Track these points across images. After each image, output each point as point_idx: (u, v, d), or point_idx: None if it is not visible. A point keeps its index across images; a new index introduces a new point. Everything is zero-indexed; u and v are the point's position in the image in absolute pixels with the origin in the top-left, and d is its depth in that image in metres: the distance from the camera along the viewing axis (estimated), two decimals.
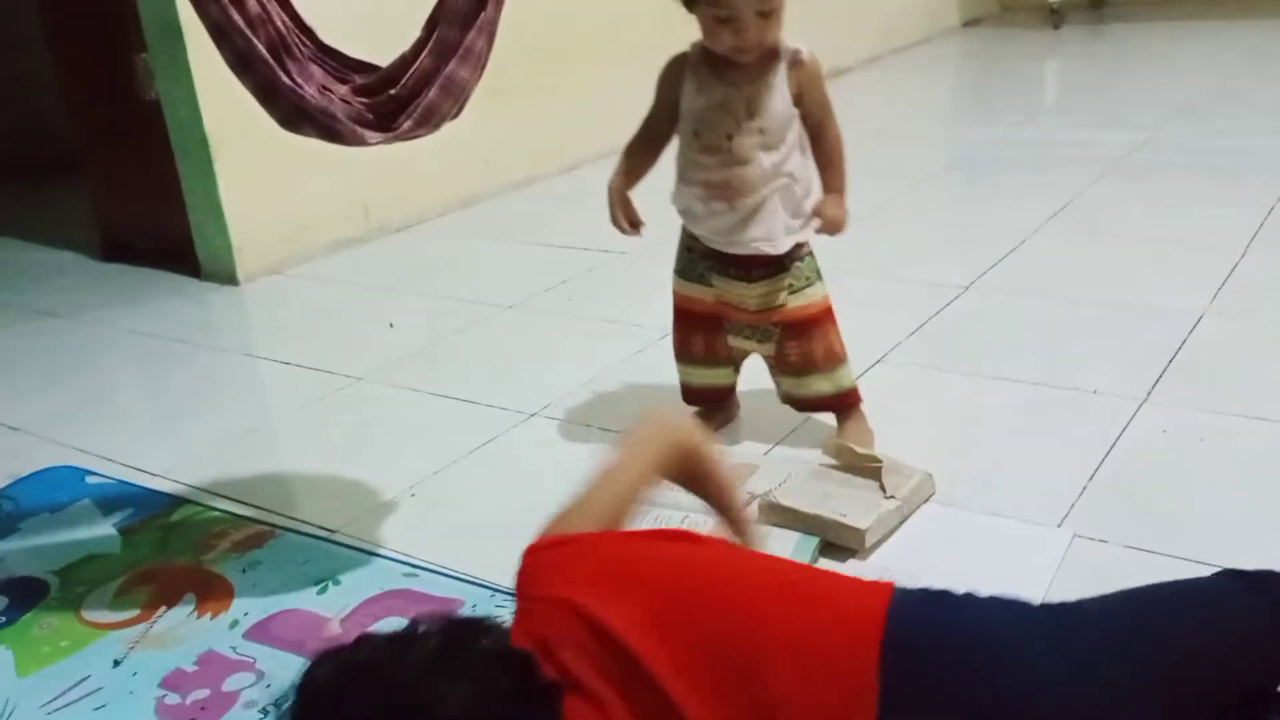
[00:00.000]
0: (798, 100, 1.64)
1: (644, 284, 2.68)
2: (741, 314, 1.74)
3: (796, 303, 1.71)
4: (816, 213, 1.68)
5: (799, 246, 1.71)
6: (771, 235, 1.67)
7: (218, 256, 2.89)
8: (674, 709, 0.93)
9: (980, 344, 2.14)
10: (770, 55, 1.63)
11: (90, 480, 1.88)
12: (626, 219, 1.76)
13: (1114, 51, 5.23)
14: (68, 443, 2.03)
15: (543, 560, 1.08)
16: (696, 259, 1.75)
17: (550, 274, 2.74)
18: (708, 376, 1.83)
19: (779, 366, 1.77)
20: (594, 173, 3.82)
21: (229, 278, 2.88)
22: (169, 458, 1.94)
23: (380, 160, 3.15)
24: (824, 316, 1.73)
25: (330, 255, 3.05)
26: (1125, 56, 5.05)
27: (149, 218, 3.04)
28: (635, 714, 0.95)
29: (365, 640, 1.00)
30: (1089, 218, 2.84)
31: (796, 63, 1.64)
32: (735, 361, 1.82)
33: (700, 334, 1.79)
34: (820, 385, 1.74)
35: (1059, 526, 1.51)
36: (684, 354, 1.83)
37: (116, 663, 1.40)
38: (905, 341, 2.16)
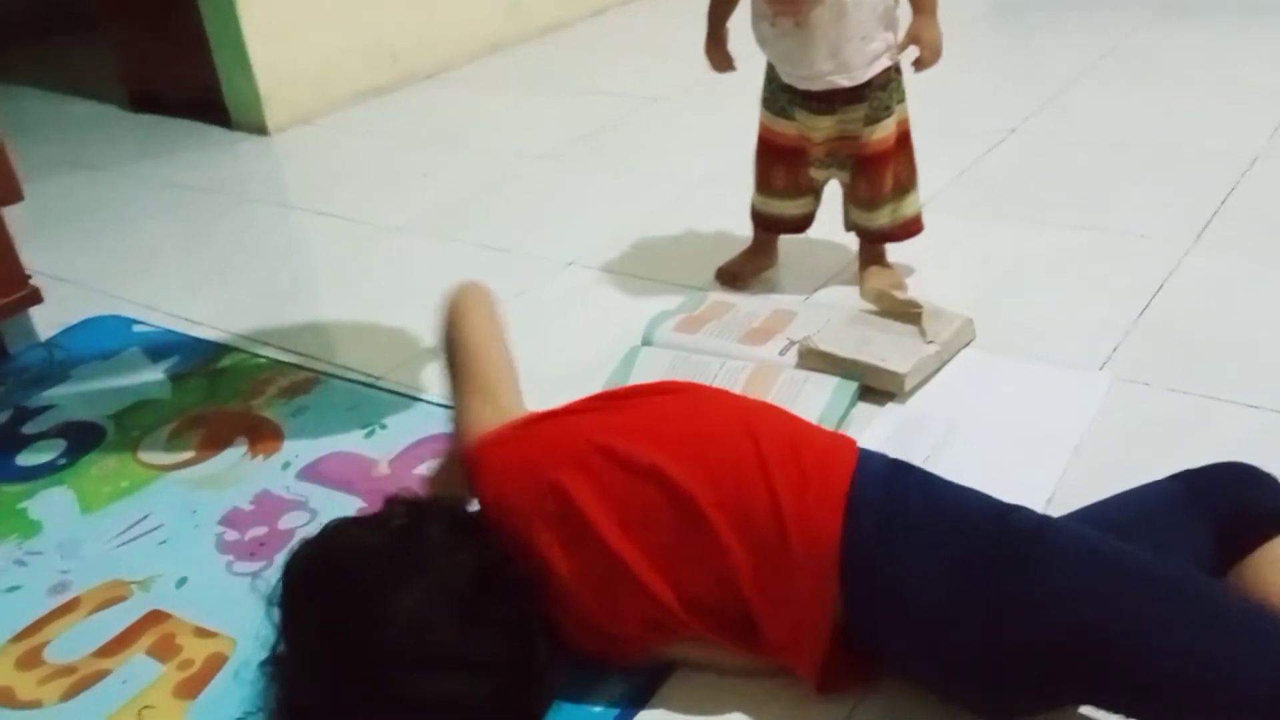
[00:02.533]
0: None
1: (677, 131, 2.63)
2: (822, 145, 1.69)
3: (872, 135, 1.65)
4: (912, 39, 1.60)
5: (883, 73, 1.62)
6: (847, 65, 1.59)
7: (247, 106, 2.86)
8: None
9: (1024, 189, 2.10)
10: None
11: (137, 329, 1.91)
12: (716, 54, 1.73)
13: None
14: (113, 293, 2.06)
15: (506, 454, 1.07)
16: (778, 91, 1.69)
17: (582, 123, 2.70)
18: (788, 207, 1.78)
19: (851, 196, 1.74)
20: (622, 17, 3.73)
21: (259, 127, 2.85)
22: (212, 307, 1.97)
23: (406, 6, 3.08)
24: (896, 148, 1.67)
25: (359, 104, 3.01)
26: None
27: (176, 68, 2.99)
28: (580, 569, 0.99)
29: (335, 529, 1.05)
30: (1139, 59, 2.74)
31: None
32: (816, 190, 1.78)
33: (783, 167, 1.74)
34: (881, 218, 1.71)
35: (1100, 371, 1.51)
36: (765, 185, 1.78)
37: (176, 503, 1.45)
38: (948, 187, 2.12)
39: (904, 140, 1.68)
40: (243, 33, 2.74)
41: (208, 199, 2.51)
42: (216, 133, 2.91)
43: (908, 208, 1.72)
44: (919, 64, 1.63)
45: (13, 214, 1.79)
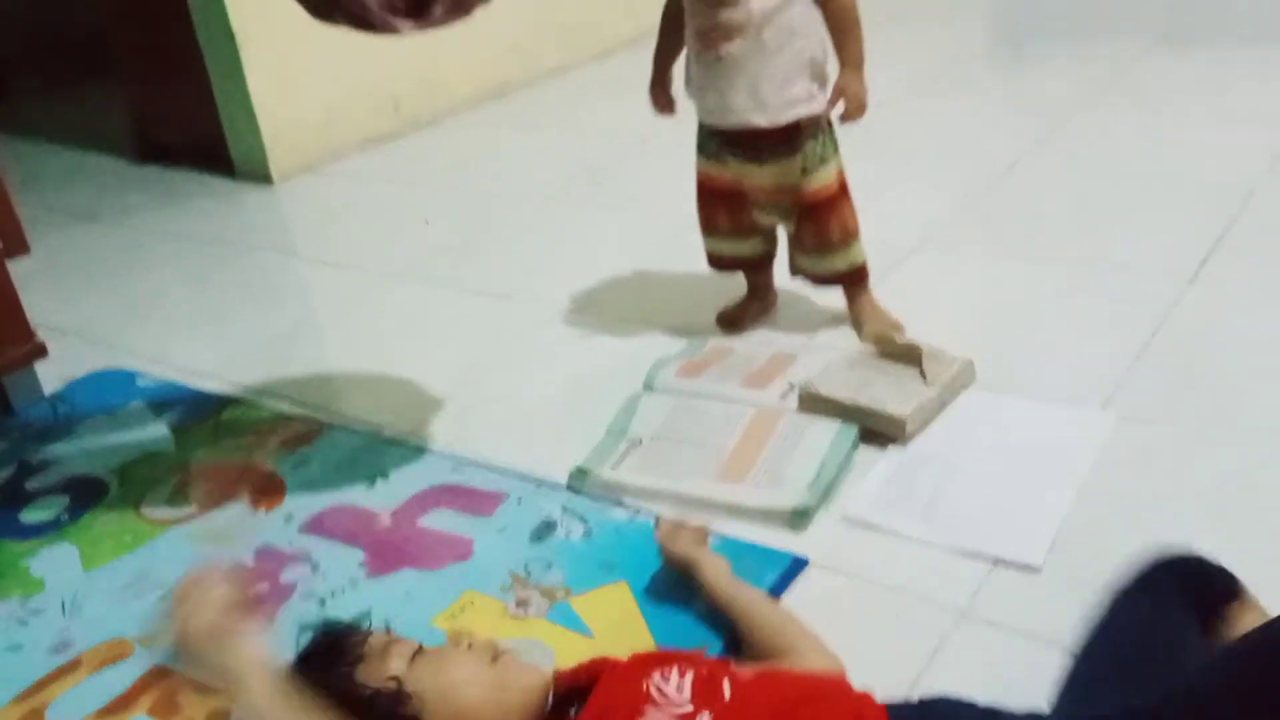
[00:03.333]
0: None
1: (675, 171, 2.64)
2: (761, 192, 1.72)
3: (810, 185, 1.67)
4: (838, 92, 1.62)
5: (810, 123, 1.64)
6: (764, 104, 1.61)
7: (251, 155, 2.88)
8: None
9: (1023, 223, 2.10)
10: None
11: (141, 382, 1.92)
12: (659, 97, 1.76)
13: None
14: (117, 345, 2.07)
15: None
16: (707, 136, 1.73)
17: (583, 164, 2.71)
18: (736, 248, 1.81)
19: (797, 244, 1.76)
20: (626, 59, 3.75)
21: (263, 176, 2.88)
22: (215, 358, 1.97)
23: (409, 53, 3.10)
24: (839, 196, 1.70)
25: (362, 151, 3.03)
26: None
27: (182, 118, 3.02)
28: None
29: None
30: (1137, 91, 2.75)
31: None
32: (763, 232, 1.79)
33: (723, 209, 1.77)
34: (835, 263, 1.73)
35: (1103, 409, 1.50)
36: (709, 228, 1.81)
37: (177, 557, 1.45)
38: (948, 221, 2.13)
39: (844, 191, 1.70)
40: (247, 84, 2.76)
41: (212, 249, 2.53)
42: (221, 183, 2.93)
43: (857, 254, 1.74)
44: (845, 117, 1.65)
45: (19, 266, 1.80)
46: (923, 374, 1.54)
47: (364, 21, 1.43)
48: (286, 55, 2.77)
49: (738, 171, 1.71)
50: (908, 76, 1.64)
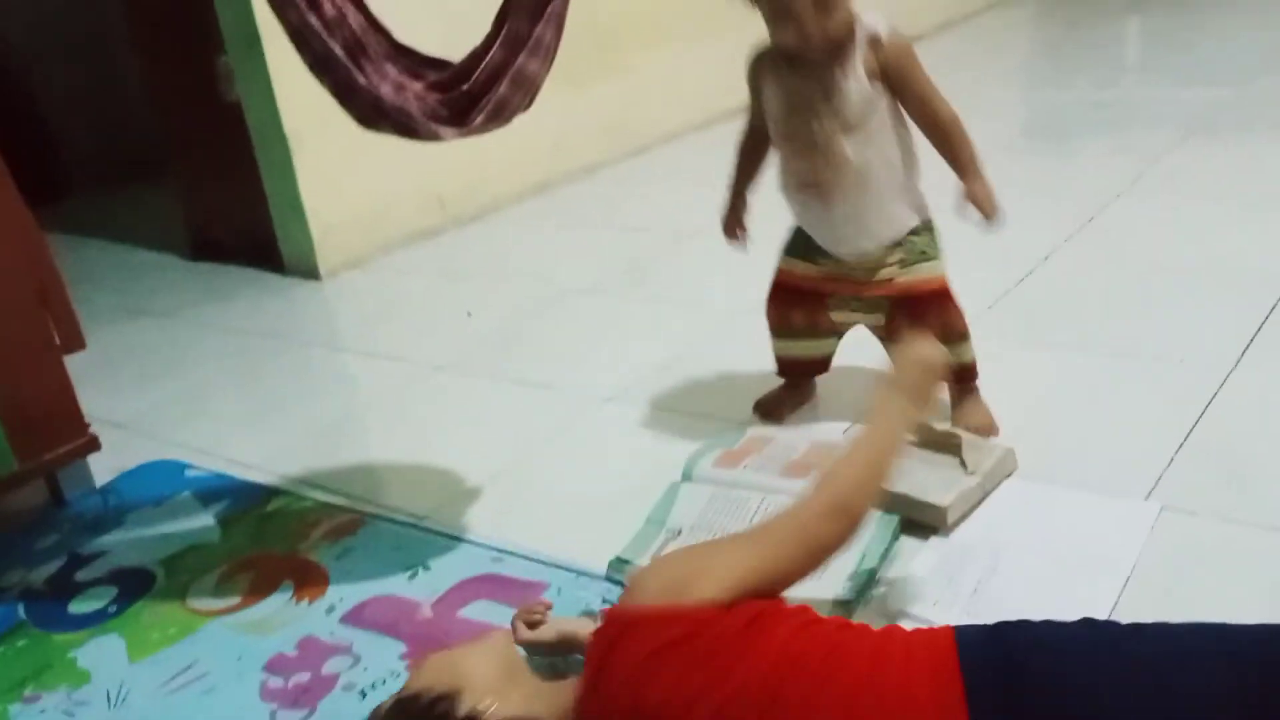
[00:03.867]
0: (879, 78, 1.58)
1: (716, 264, 2.68)
2: (847, 286, 1.70)
3: (906, 278, 1.66)
4: (968, 199, 1.60)
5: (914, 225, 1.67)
6: (871, 233, 1.65)
7: (300, 252, 2.97)
8: None
9: (1062, 314, 2.11)
10: (844, 40, 1.58)
11: (190, 473, 1.96)
12: (732, 226, 1.79)
13: (1196, 6, 5.05)
14: (167, 437, 2.12)
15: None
16: (804, 238, 1.72)
17: (622, 257, 2.77)
18: (809, 349, 1.80)
19: (890, 338, 1.70)
20: (661, 154, 3.84)
21: (311, 272, 2.96)
22: (263, 450, 2.01)
23: (454, 152, 3.18)
24: (940, 295, 1.66)
25: (408, 247, 3.11)
26: (1210, 11, 4.87)
27: (234, 216, 3.13)
28: None
29: None
30: (1173, 180, 2.76)
31: (874, 42, 1.58)
32: (839, 333, 1.79)
33: (799, 307, 1.76)
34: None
35: (1146, 499, 1.49)
36: (783, 328, 1.80)
37: (221, 648, 1.46)
38: (986, 313, 2.14)
39: (946, 293, 1.67)
40: (298, 184, 2.86)
41: (261, 342, 2.59)
42: (271, 278, 3.02)
43: (964, 353, 1.69)
44: (985, 219, 1.61)
45: (76, 361, 1.86)
46: (963, 462, 1.54)
47: (409, 129, 1.49)
48: (336, 156, 2.87)
49: (830, 269, 1.70)
50: (942, 170, 1.68)
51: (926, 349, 1.31)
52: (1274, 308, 1.97)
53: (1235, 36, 4.26)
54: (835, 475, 1.17)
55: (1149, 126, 3.21)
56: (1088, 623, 1.02)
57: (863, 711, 0.94)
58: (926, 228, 1.68)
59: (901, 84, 1.60)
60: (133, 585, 1.64)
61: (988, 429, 1.68)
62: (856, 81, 1.58)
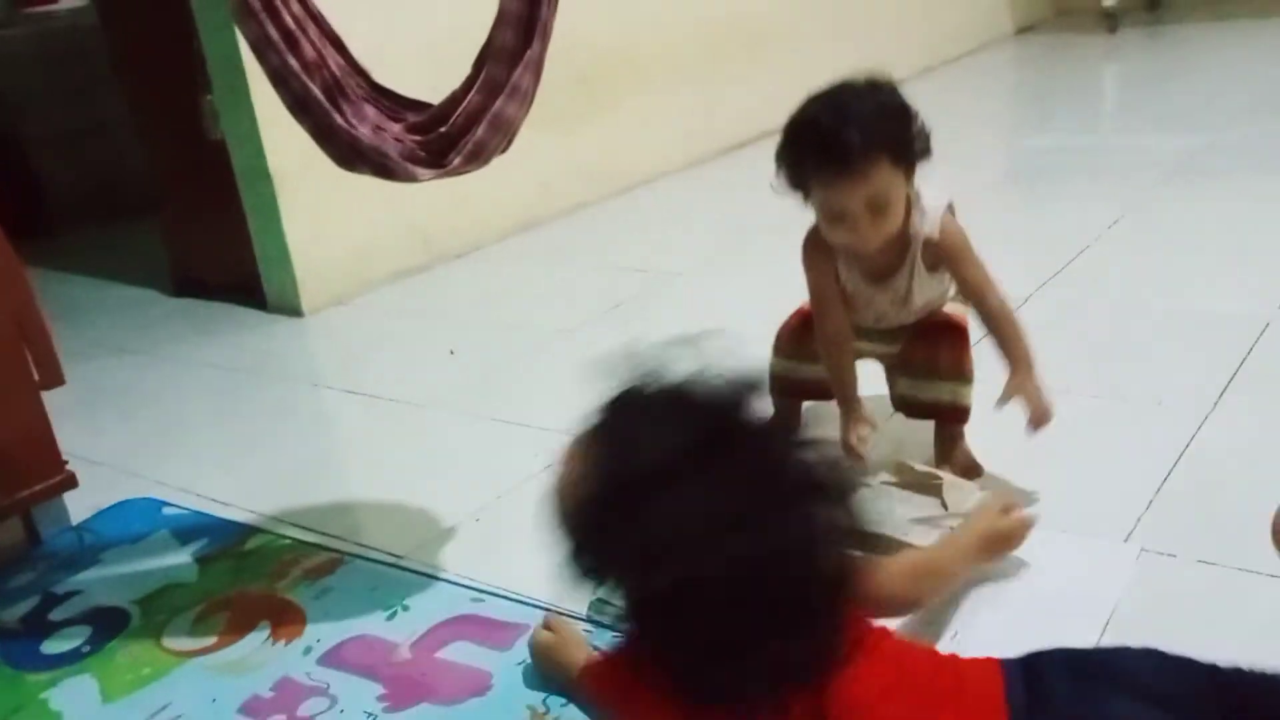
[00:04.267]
0: (937, 268, 1.61)
1: (699, 305, 2.70)
2: (871, 312, 1.69)
3: (932, 307, 1.68)
4: (1014, 392, 1.54)
5: None
6: (912, 313, 1.68)
7: (283, 289, 2.97)
8: None
9: (1042, 357, 2.11)
10: (903, 240, 1.56)
11: (167, 511, 1.94)
12: (850, 439, 1.64)
13: (1172, 53, 5.15)
14: (146, 475, 2.10)
15: None
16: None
17: (607, 296, 2.77)
18: (817, 371, 1.73)
19: (900, 366, 1.70)
20: (646, 195, 3.87)
21: (294, 309, 2.95)
22: (242, 488, 2.00)
23: (438, 190, 3.20)
24: (958, 329, 1.66)
25: (391, 284, 3.11)
26: (1184, 58, 4.97)
27: (218, 254, 3.13)
28: None
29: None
30: (1151, 224, 2.80)
31: (930, 244, 1.57)
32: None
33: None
34: (939, 392, 1.66)
35: (1125, 541, 1.49)
36: (794, 349, 1.76)
37: (195, 690, 1.44)
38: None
39: (965, 332, 1.66)
40: (282, 222, 2.87)
41: (241, 379, 2.58)
42: (253, 315, 3.01)
43: (963, 395, 1.67)
44: (1033, 424, 1.53)
45: (55, 397, 1.85)
46: (943, 504, 1.54)
47: (386, 170, 1.51)
48: (321, 194, 2.88)
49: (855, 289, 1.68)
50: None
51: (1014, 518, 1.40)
52: (1250, 351, 2.00)
53: (1212, 84, 4.33)
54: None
55: (1127, 172, 3.26)
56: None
57: None
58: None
59: (952, 269, 1.61)
60: (108, 625, 1.62)
61: (973, 471, 1.68)
62: (926, 284, 1.61)
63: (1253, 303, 2.20)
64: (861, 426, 1.65)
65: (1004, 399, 1.55)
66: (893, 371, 1.74)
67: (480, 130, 1.49)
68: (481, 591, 1.57)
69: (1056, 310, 2.33)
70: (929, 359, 1.66)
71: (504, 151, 1.55)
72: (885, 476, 1.65)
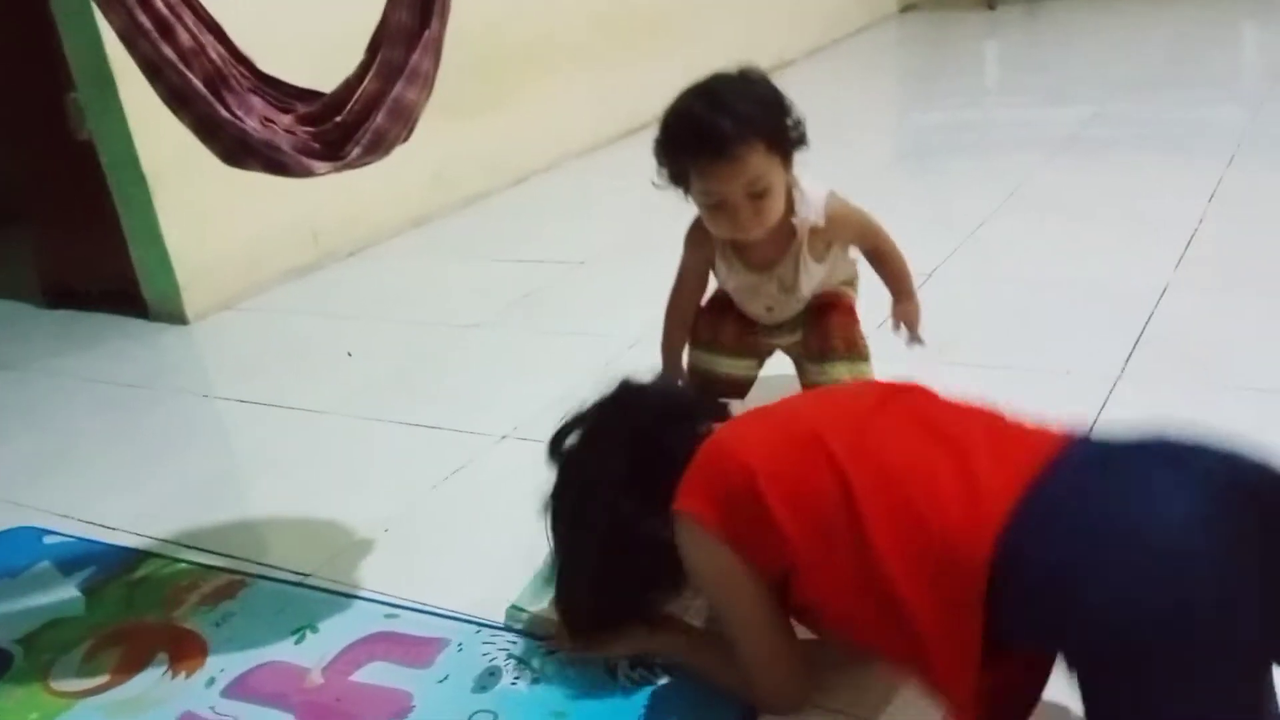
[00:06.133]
0: (826, 252, 1.66)
1: (605, 294, 2.65)
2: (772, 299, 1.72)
3: (822, 287, 1.72)
4: (899, 317, 1.73)
5: None
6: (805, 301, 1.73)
7: (165, 295, 2.82)
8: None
9: (946, 332, 2.12)
10: (787, 230, 1.60)
11: (48, 540, 1.81)
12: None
13: (1052, 28, 5.27)
14: (24, 501, 1.96)
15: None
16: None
17: (509, 289, 2.70)
18: (734, 367, 1.76)
19: (804, 353, 1.74)
20: (544, 183, 3.80)
21: (178, 316, 2.80)
22: (130, 510, 1.87)
23: (328, 185, 3.08)
24: (848, 309, 1.73)
25: (282, 285, 2.98)
26: (1064, 32, 5.09)
27: (91, 261, 2.95)
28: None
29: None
30: (1043, 198, 2.84)
31: (814, 230, 1.61)
32: (762, 355, 1.79)
33: (735, 324, 1.74)
34: (839, 372, 1.69)
35: None
36: (713, 342, 1.75)
37: None
38: (875, 332, 2.14)
39: (852, 311, 1.74)
40: (159, 224, 2.72)
41: (125, 393, 2.43)
42: (134, 324, 2.85)
43: (865, 370, 1.71)
44: (909, 330, 1.74)
45: None
46: None
47: (279, 165, 1.41)
48: (201, 194, 2.73)
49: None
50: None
51: None
52: (1150, 316, 2.03)
53: (1090, 58, 4.45)
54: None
55: (1015, 146, 3.31)
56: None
57: None
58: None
59: (841, 240, 1.68)
60: None
61: None
62: (813, 268, 1.65)
63: (1149, 269, 2.24)
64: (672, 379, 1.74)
65: (896, 321, 1.72)
66: (798, 362, 1.78)
67: (379, 118, 1.41)
68: (395, 607, 1.49)
69: (959, 285, 2.34)
70: (823, 342, 1.70)
71: (405, 140, 1.47)
72: None
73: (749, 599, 1.14)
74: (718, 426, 1.23)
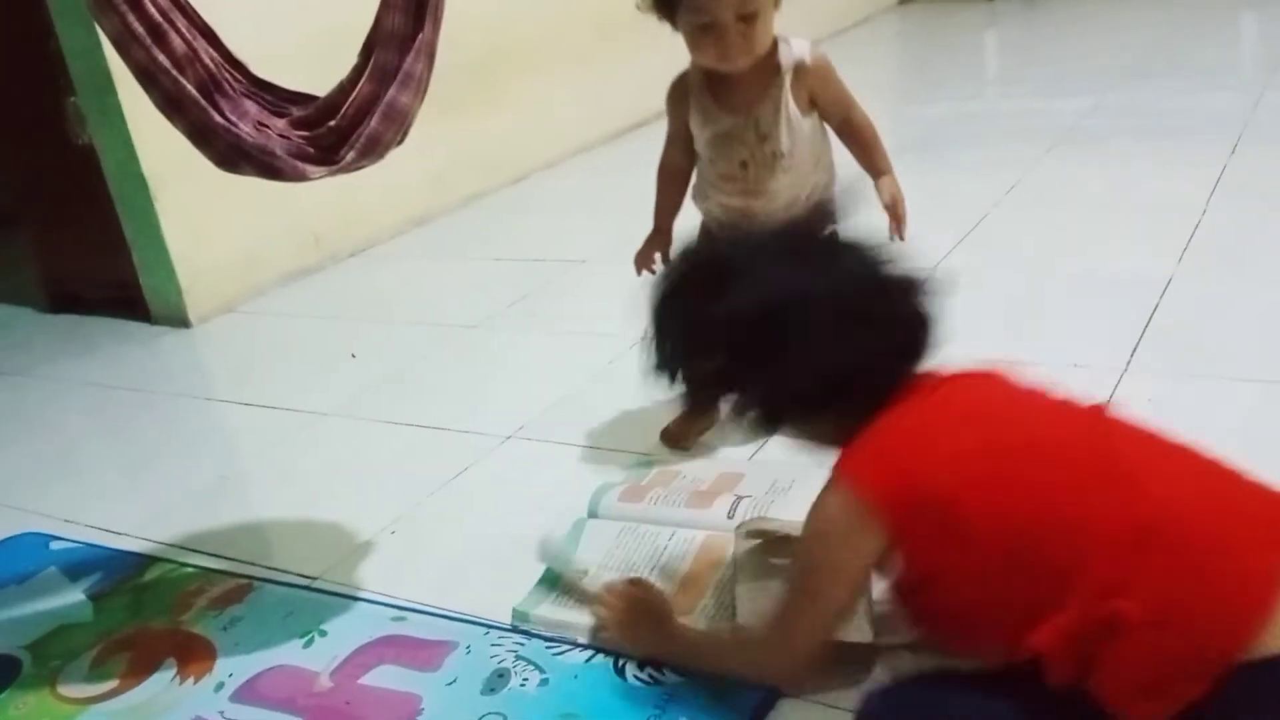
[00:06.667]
0: (812, 106, 1.60)
1: (607, 292, 2.64)
2: None
3: None
4: (891, 196, 1.66)
5: None
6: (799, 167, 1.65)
7: (167, 299, 2.81)
8: None
9: (954, 323, 2.12)
10: (771, 68, 1.57)
11: (55, 546, 1.81)
12: (648, 258, 1.74)
13: (1051, 19, 5.26)
14: (29, 507, 1.96)
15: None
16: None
17: (511, 289, 2.69)
18: None
19: None
20: (543, 181, 3.79)
21: (180, 320, 2.80)
22: (136, 515, 1.87)
23: (327, 188, 3.08)
24: None
25: (283, 288, 2.98)
26: (1063, 23, 5.08)
27: (93, 265, 2.95)
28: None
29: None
30: (1046, 189, 2.83)
31: (801, 69, 1.58)
32: None
33: None
34: None
35: None
36: None
37: None
38: None
39: None
40: (161, 228, 2.71)
41: (128, 397, 2.43)
42: (137, 328, 2.85)
43: None
44: (895, 218, 1.67)
45: None
46: None
47: (273, 170, 1.41)
48: (202, 197, 2.73)
49: None
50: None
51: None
52: (1156, 307, 2.02)
53: (1089, 49, 4.44)
54: None
55: (1016, 138, 3.30)
56: None
57: None
58: None
59: (824, 102, 1.63)
60: None
61: None
62: (793, 116, 1.59)
63: (1154, 259, 2.23)
64: (660, 250, 1.73)
65: (882, 198, 1.66)
66: None
67: (373, 122, 1.40)
68: (402, 609, 1.49)
69: (966, 276, 2.32)
70: None
71: (400, 144, 1.46)
72: (742, 542, 1.44)
73: (845, 585, 1.10)
74: (931, 384, 1.17)
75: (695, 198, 1.72)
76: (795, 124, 1.60)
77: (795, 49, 1.59)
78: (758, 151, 1.60)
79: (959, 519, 1.01)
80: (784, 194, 1.61)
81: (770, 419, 1.18)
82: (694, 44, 1.55)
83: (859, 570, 1.10)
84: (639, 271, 1.75)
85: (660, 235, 1.75)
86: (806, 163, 1.63)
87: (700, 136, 1.64)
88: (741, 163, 1.62)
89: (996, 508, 1.01)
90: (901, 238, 1.67)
